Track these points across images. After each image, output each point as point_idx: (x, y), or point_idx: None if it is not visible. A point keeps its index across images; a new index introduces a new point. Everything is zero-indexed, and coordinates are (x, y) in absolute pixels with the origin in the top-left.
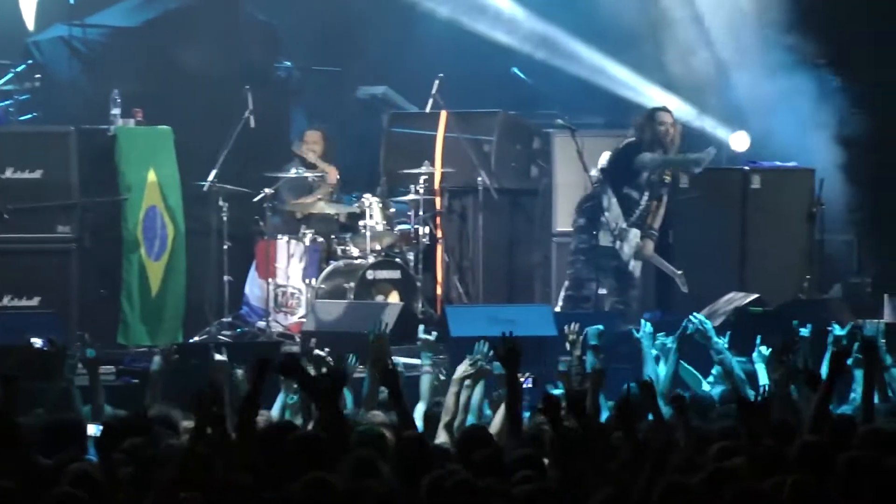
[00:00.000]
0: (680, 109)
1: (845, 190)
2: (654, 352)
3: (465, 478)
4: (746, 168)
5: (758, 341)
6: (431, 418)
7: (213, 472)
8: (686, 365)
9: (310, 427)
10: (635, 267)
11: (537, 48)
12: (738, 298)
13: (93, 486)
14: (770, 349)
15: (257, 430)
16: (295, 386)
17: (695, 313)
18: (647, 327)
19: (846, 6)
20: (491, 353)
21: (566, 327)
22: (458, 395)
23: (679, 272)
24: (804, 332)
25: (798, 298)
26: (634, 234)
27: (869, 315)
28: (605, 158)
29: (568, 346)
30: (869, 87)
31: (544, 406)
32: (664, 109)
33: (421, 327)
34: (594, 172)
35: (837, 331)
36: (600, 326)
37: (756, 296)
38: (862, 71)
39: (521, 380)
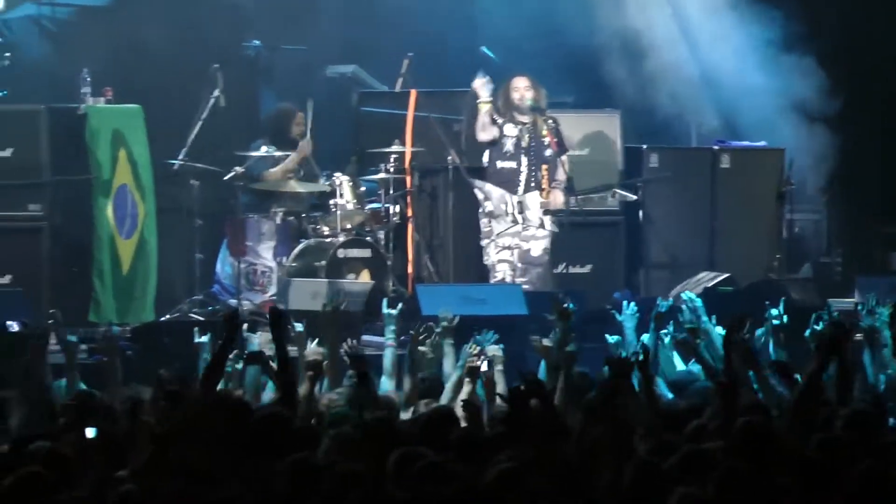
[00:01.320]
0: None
1: (816, 170)
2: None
3: (432, 460)
4: (716, 147)
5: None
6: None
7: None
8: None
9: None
10: (536, 244)
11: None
12: (707, 278)
13: (62, 464)
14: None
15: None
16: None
17: (686, 292)
18: (630, 308)
19: None
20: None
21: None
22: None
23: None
24: (774, 311)
25: (768, 278)
26: (532, 197)
27: (839, 295)
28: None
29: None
30: (839, 66)
31: (525, 387)
32: (521, 75)
33: (384, 301)
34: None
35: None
36: (571, 305)
37: (726, 275)
38: (832, 50)
39: None
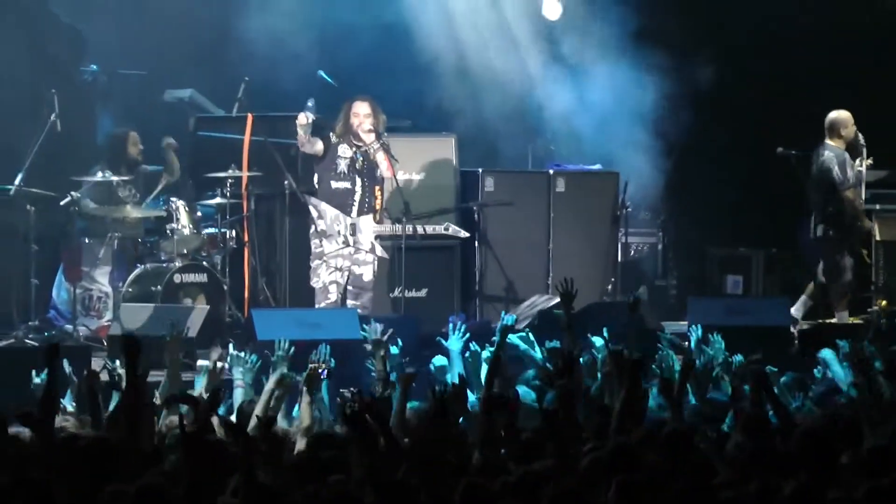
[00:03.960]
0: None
1: (651, 193)
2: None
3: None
4: (551, 171)
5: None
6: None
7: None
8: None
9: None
10: (366, 269)
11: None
12: (541, 301)
13: None
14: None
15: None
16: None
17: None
18: (457, 333)
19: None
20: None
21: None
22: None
23: (444, 225)
24: (598, 341)
25: (602, 301)
26: (366, 220)
27: (674, 317)
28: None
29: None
30: (675, 90)
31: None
32: (362, 100)
33: (231, 344)
34: (401, 174)
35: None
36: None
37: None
38: (668, 74)
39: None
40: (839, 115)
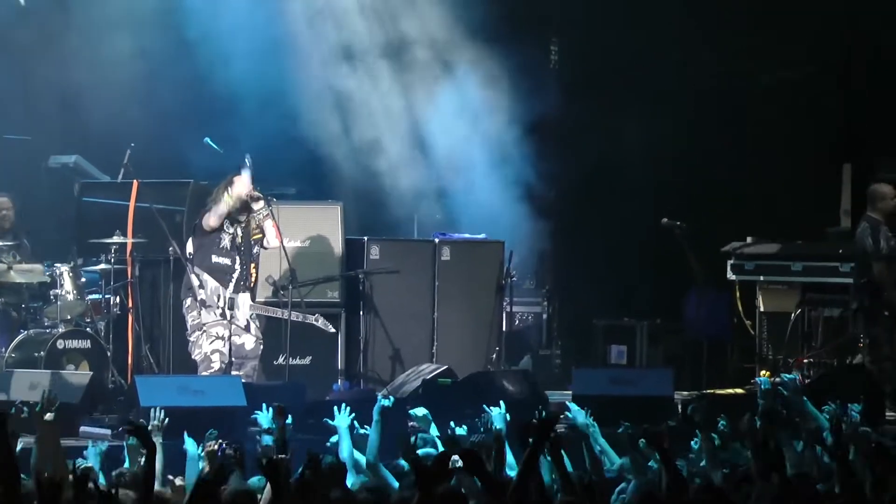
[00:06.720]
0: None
1: (536, 262)
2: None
3: None
4: (436, 240)
5: None
6: None
7: None
8: None
9: None
10: (248, 338)
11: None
12: (426, 370)
13: None
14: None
15: None
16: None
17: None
18: (343, 413)
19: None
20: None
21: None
22: None
23: (314, 315)
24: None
25: (486, 370)
26: (243, 298)
27: (558, 387)
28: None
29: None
30: (561, 162)
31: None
32: (242, 172)
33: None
34: (287, 242)
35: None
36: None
37: (445, 367)
38: (550, 142)
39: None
40: (879, 187)
